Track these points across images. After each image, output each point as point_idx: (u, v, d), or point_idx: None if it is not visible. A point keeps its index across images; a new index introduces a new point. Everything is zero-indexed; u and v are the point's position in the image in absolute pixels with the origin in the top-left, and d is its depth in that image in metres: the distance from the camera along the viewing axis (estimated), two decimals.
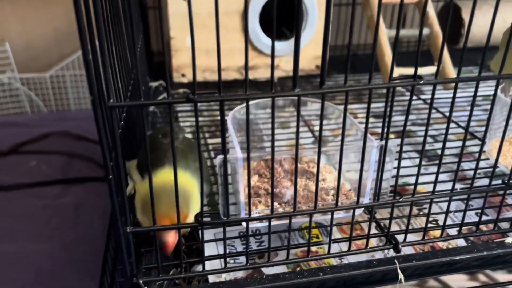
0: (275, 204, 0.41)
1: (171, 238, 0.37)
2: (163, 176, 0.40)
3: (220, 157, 0.35)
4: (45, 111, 1.26)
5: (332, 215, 0.39)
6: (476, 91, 0.37)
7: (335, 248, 0.46)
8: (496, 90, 0.39)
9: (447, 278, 0.49)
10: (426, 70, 0.80)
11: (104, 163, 0.32)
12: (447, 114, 0.76)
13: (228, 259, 0.40)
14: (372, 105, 0.86)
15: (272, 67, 0.31)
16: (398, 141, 0.38)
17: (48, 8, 1.21)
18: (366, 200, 0.39)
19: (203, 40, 0.81)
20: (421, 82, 0.35)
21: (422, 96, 0.87)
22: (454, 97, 0.37)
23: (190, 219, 0.39)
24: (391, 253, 0.45)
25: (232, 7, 0.74)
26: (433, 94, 0.36)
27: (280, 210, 0.40)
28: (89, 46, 0.29)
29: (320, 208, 0.38)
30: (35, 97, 1.24)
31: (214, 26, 0.29)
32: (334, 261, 0.45)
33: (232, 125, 0.45)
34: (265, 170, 0.45)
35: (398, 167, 0.39)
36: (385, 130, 0.37)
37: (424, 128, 0.36)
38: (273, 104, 0.33)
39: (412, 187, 0.40)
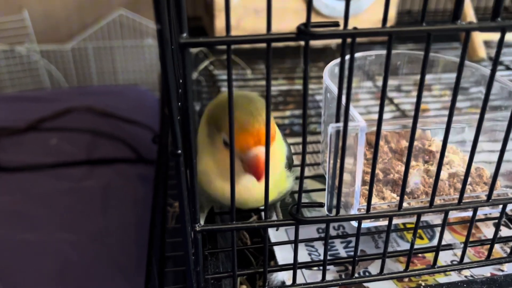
0: (394, 196, 0.30)
1: (253, 150, 0.26)
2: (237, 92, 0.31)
3: (334, 125, 0.24)
4: (67, 86, 1.16)
5: (474, 212, 0.28)
6: None
7: (445, 255, 0.35)
8: None
9: None
10: None
11: (172, 131, 0.21)
12: None
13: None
14: (444, 75, 0.74)
15: None
16: None
17: None
18: None
19: None
20: None
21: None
22: None
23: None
24: None
25: None
26: None
27: (404, 204, 0.29)
28: None
29: (465, 203, 0.27)
30: (56, 71, 1.14)
31: None
32: (453, 273, 0.34)
33: (332, 82, 0.33)
34: (365, 148, 0.34)
35: None
36: None
37: None
38: (425, 62, 0.22)
39: None
